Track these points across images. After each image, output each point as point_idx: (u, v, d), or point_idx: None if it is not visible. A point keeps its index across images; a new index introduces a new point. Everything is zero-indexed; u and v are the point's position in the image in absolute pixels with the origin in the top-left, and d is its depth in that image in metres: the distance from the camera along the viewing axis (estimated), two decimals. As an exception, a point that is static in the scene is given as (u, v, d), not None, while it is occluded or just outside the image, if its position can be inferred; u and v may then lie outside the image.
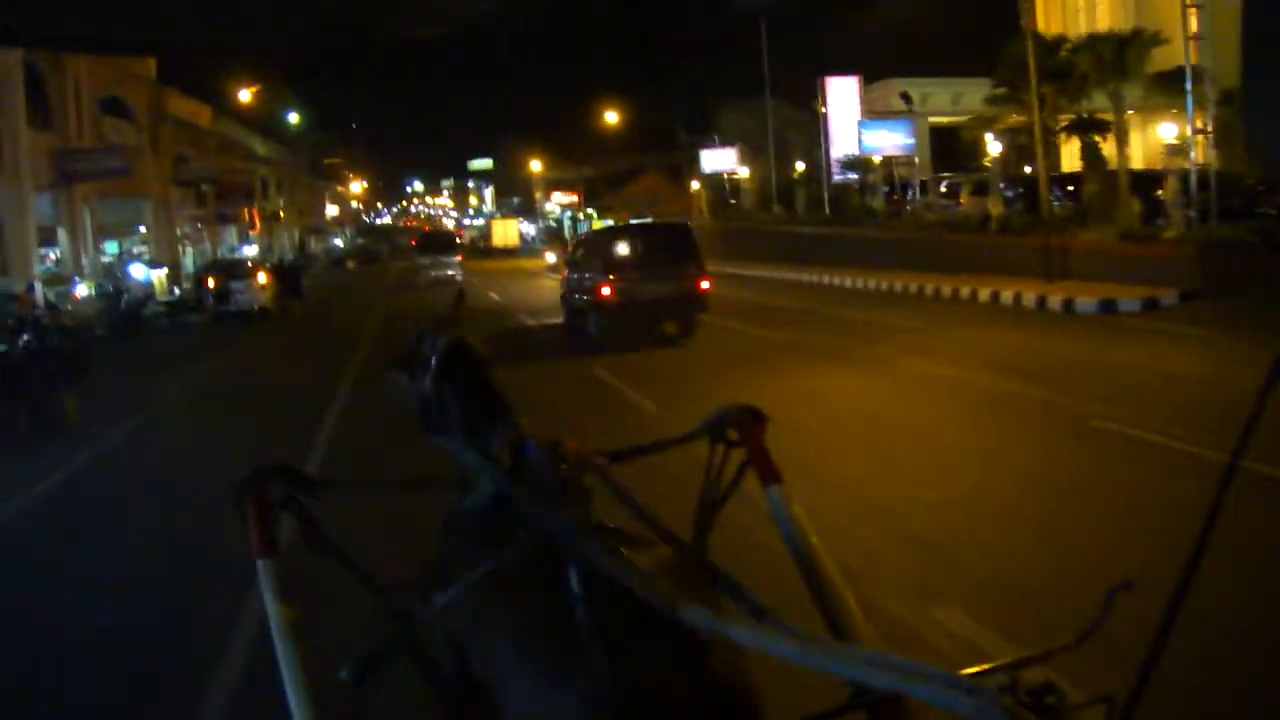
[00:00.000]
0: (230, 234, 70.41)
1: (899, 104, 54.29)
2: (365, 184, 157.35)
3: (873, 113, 56.25)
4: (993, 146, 41.87)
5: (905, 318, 24.99)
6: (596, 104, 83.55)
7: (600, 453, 2.92)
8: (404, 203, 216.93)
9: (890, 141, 52.38)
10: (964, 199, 42.71)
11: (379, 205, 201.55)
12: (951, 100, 57.14)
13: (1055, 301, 25.27)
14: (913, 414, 14.09)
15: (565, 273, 28.61)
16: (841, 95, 57.55)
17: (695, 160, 75.62)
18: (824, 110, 56.44)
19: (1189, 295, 23.71)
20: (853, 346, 20.71)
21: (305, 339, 32.31)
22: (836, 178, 54.98)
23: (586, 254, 26.25)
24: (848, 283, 36.25)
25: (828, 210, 51.80)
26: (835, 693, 2.29)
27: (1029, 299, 26.17)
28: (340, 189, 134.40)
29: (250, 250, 67.20)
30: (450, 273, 55.07)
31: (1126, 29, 36.30)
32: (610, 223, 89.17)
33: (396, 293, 48.35)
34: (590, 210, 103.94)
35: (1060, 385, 14.78)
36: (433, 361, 3.24)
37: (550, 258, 63.42)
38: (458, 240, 75.88)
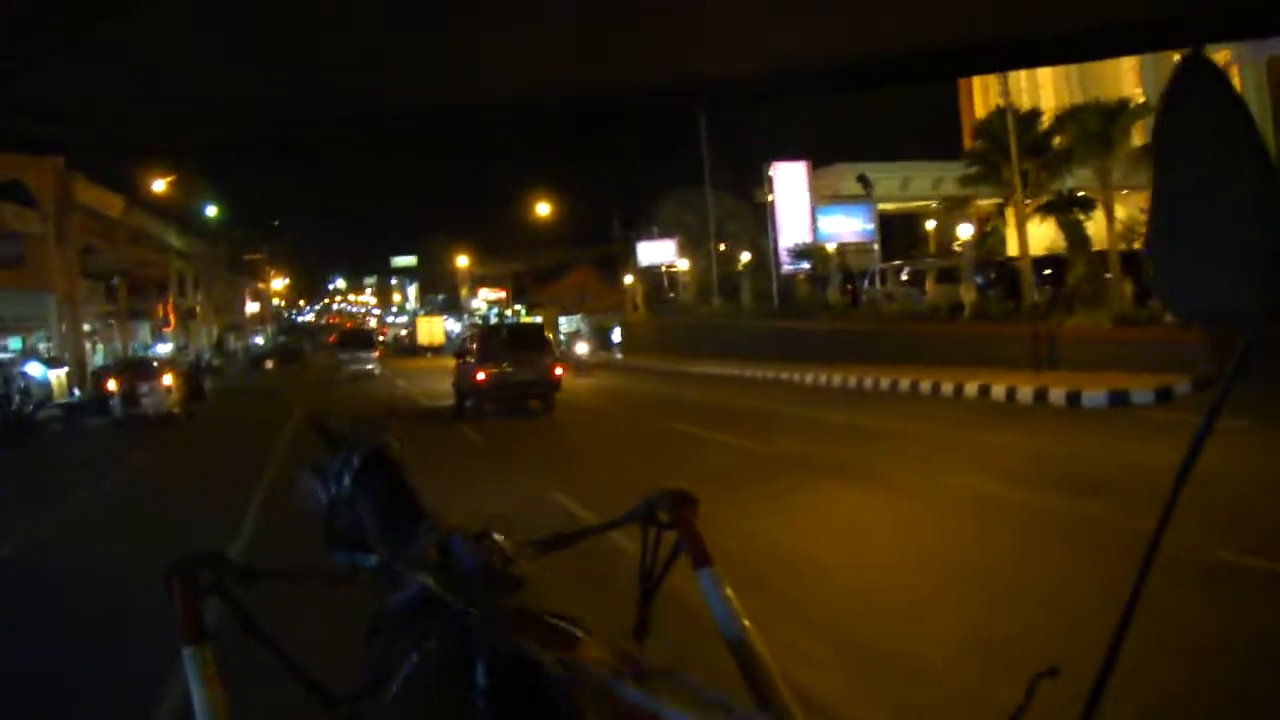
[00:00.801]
0: (143, 330, 67.30)
1: (851, 189, 52.29)
2: (287, 280, 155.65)
3: (829, 197, 54.13)
4: (963, 230, 39.48)
5: (890, 418, 22.49)
6: (527, 197, 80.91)
7: (529, 541, 2.74)
8: (326, 300, 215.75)
9: (848, 227, 50.84)
10: (929, 286, 40.62)
11: (301, 303, 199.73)
12: (900, 185, 55.22)
13: (1057, 395, 22.92)
14: (959, 546, 11.00)
15: (456, 363, 33.56)
16: (789, 181, 55.14)
17: (631, 253, 73.29)
18: (771, 197, 54.28)
19: (1203, 383, 21.03)
20: (845, 456, 17.84)
21: (211, 450, 27.63)
22: (786, 267, 52.82)
23: (469, 349, 32.30)
24: (807, 379, 33.95)
25: (776, 302, 49.47)
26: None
27: (1024, 393, 23.97)
28: (261, 285, 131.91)
29: (164, 348, 63.96)
30: (369, 367, 59.74)
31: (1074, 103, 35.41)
32: (539, 319, 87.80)
33: (316, 393, 45.92)
34: (518, 306, 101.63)
35: (1118, 499, 11.49)
36: (348, 472, 3.10)
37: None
38: (378, 338, 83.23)
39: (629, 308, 73.38)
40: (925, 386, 27.54)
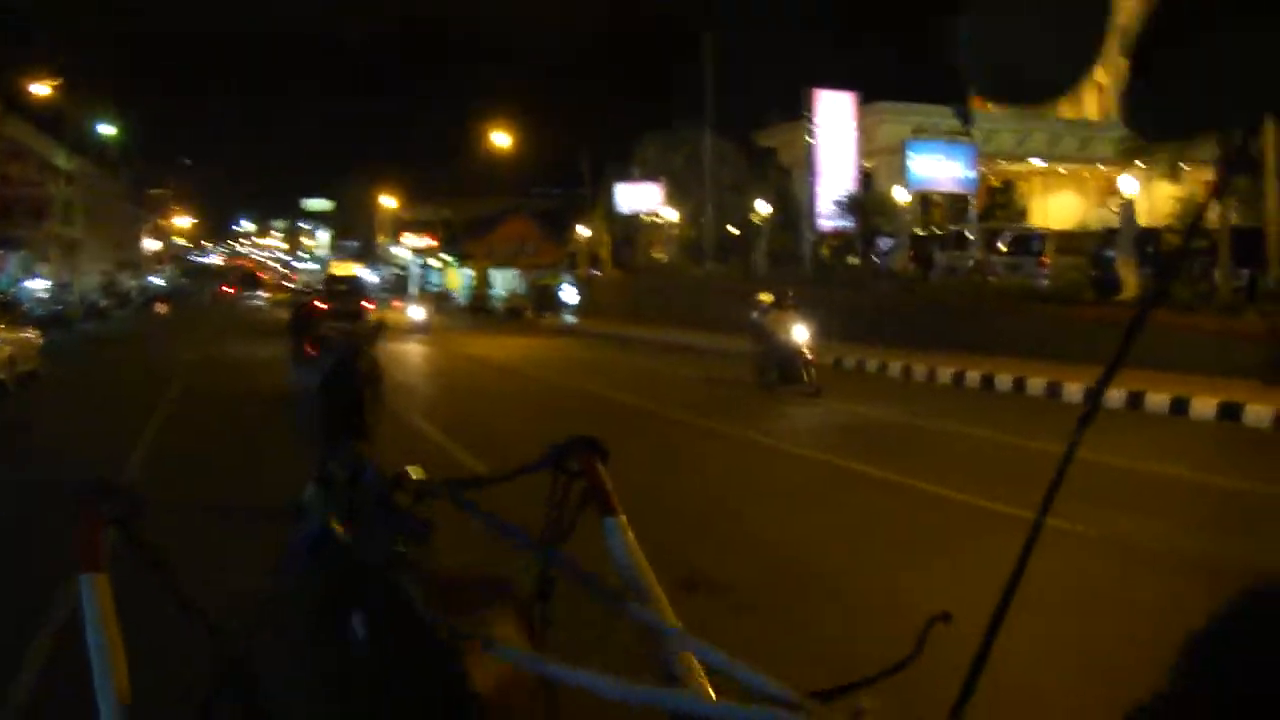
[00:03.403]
0: (13, 262, 57.55)
1: (901, 132, 42.65)
2: (193, 220, 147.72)
3: (924, 131, 43.06)
4: (1125, 184, 30.20)
5: (1099, 446, 14.13)
6: (471, 133, 70.32)
7: (445, 482, 2.75)
8: (231, 242, 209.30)
9: (946, 173, 40.00)
10: (1049, 258, 32.30)
11: (206, 244, 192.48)
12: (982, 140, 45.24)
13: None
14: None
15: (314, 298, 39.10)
16: (833, 116, 44.67)
17: (599, 199, 62.93)
18: (812, 132, 43.85)
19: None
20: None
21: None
22: (824, 223, 43.22)
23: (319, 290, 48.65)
24: (869, 363, 26.77)
25: (809, 266, 40.22)
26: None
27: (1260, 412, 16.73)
28: (163, 222, 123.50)
29: (39, 284, 54.36)
30: (259, 302, 73.53)
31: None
32: (470, 271, 79.54)
33: (211, 346, 37.80)
34: (446, 257, 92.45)
35: None
36: (318, 372, 3.19)
37: (416, 313, 50.66)
38: (260, 278, 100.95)
39: (585, 265, 64.03)
40: (1074, 390, 19.80)
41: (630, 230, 61.82)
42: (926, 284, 33.94)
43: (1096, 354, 18.08)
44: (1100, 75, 53.86)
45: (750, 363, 22.99)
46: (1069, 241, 33.68)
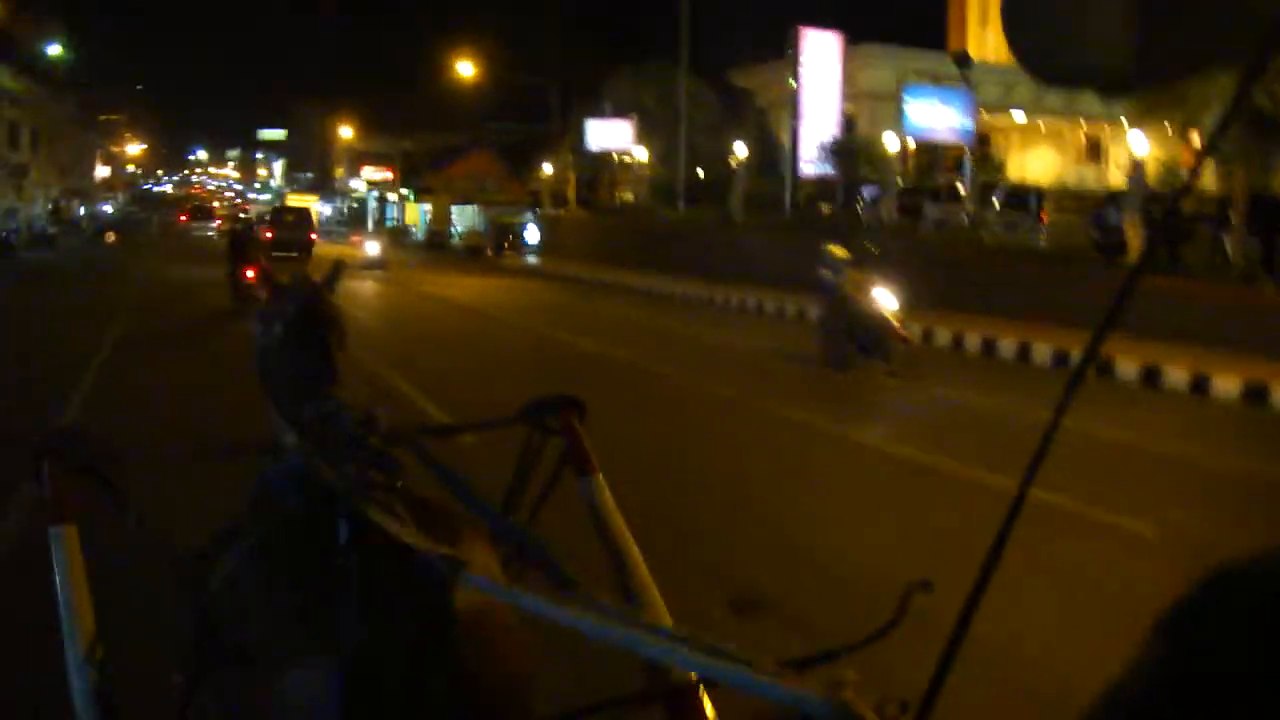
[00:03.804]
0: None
1: (883, 77, 40.91)
2: (145, 147, 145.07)
3: (919, 74, 41.42)
4: (1135, 141, 28.71)
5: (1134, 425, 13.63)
6: (433, 60, 67.82)
7: (418, 428, 2.78)
8: (186, 171, 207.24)
9: (944, 122, 37.27)
10: (1047, 216, 30.91)
11: (159, 173, 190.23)
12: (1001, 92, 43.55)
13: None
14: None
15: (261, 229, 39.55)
16: (819, 57, 42.39)
17: (569, 134, 60.08)
18: (799, 73, 41.40)
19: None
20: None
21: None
22: (808, 168, 41.08)
23: (264, 219, 53.85)
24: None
25: (789, 212, 38.66)
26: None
27: None
28: (115, 149, 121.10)
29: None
30: (210, 233, 73.16)
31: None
32: (428, 207, 77.98)
33: (160, 271, 39.42)
34: (405, 191, 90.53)
35: None
36: (278, 319, 2.93)
37: (372, 248, 48.30)
38: (212, 209, 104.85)
39: (548, 202, 62.15)
40: (1179, 376, 17.36)
41: (597, 169, 59.72)
42: (917, 237, 32.32)
43: (1054, 312, 16.82)
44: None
45: (818, 332, 19.24)
46: (1066, 200, 32.11)
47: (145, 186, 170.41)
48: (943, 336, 21.92)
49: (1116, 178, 42.60)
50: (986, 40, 49.48)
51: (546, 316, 26.57)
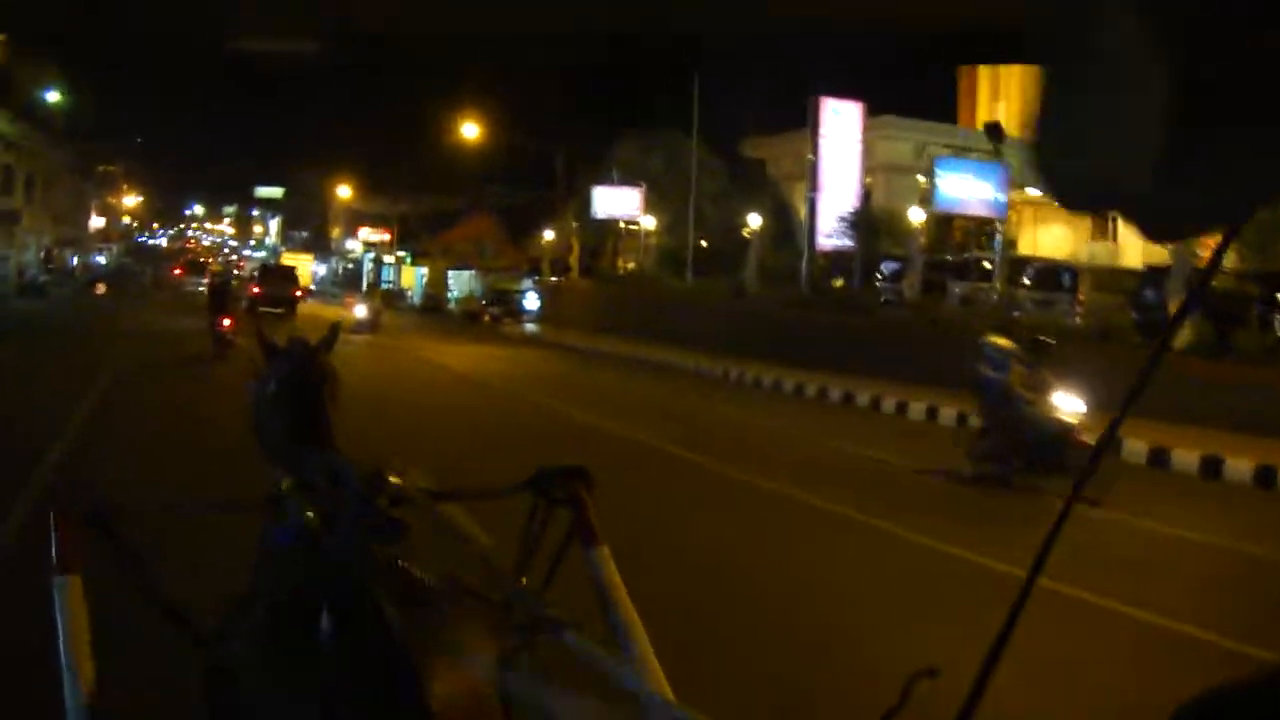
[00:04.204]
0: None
1: (901, 150, 39.78)
2: (142, 199, 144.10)
3: (941, 146, 40.16)
4: None
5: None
6: (434, 125, 66.53)
7: (422, 490, 2.68)
8: (181, 225, 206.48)
9: (976, 195, 35.97)
10: (1085, 294, 29.61)
11: (155, 226, 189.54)
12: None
13: None
14: None
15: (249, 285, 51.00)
16: (839, 126, 41.36)
17: (574, 200, 58.59)
18: (819, 143, 40.39)
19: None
20: None
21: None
22: (825, 241, 39.97)
23: (253, 275, 61.42)
24: (885, 402, 23.61)
25: (805, 285, 37.36)
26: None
27: None
28: (111, 200, 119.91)
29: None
30: (200, 288, 63.84)
31: None
32: (424, 270, 77.08)
33: (143, 334, 36.01)
34: (402, 253, 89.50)
35: None
36: (274, 379, 3.13)
37: (360, 310, 44.56)
38: (206, 264, 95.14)
39: (549, 270, 60.79)
40: (1139, 447, 16.75)
41: (602, 236, 58.42)
42: (945, 314, 30.91)
43: (1196, 411, 15.62)
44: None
45: (968, 437, 15.48)
46: (1102, 277, 30.82)
47: (140, 239, 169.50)
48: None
49: (1132, 255, 41.73)
50: (997, 114, 48.74)
51: (554, 389, 25.14)
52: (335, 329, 3.36)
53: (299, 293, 54.69)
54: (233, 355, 25.69)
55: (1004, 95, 54.97)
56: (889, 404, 23.36)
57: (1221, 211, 1.24)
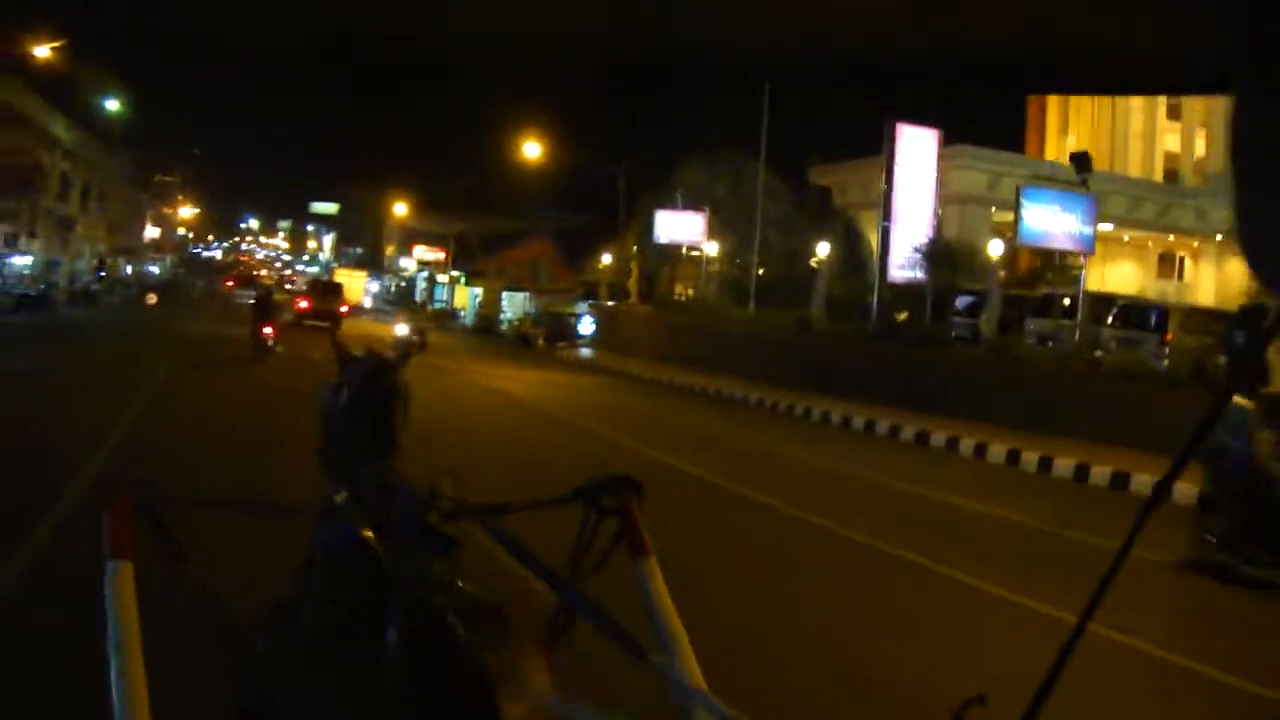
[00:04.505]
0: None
1: (975, 180, 38.56)
2: (198, 210, 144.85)
3: (1033, 178, 37.60)
4: None
5: None
6: (492, 143, 65.84)
7: (478, 504, 2.72)
8: (235, 238, 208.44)
9: (1061, 228, 33.83)
10: (1174, 335, 28.15)
11: (209, 238, 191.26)
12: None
13: None
14: None
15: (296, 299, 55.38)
16: (914, 153, 39.67)
17: (634, 225, 57.09)
18: (894, 170, 38.67)
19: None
20: None
21: None
22: (898, 273, 38.34)
23: (302, 289, 66.06)
24: (991, 451, 21.62)
25: (874, 317, 36.12)
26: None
27: None
28: (167, 210, 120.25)
29: (22, 260, 51.01)
30: (251, 300, 68.97)
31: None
32: (478, 290, 76.65)
33: (190, 361, 31.04)
34: (456, 273, 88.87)
35: None
36: (347, 388, 3.03)
37: (401, 330, 43.29)
38: (259, 278, 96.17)
39: (607, 294, 59.60)
40: None
41: (661, 261, 57.19)
42: (1024, 352, 29.53)
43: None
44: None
45: (1196, 511, 12.00)
46: (1191, 320, 29.39)
47: (195, 251, 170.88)
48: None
49: (1203, 295, 40.42)
50: (1068, 146, 47.60)
51: (617, 421, 23.82)
52: (412, 344, 3.37)
53: (345, 308, 55.91)
54: (270, 360, 29.96)
55: (1074, 128, 53.88)
56: (967, 445, 22.18)
57: None
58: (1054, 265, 39.08)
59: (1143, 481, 17.44)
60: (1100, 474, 18.71)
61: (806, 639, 8.27)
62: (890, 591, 10.13)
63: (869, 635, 8.54)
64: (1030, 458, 20.18)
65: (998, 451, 21.17)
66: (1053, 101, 54.87)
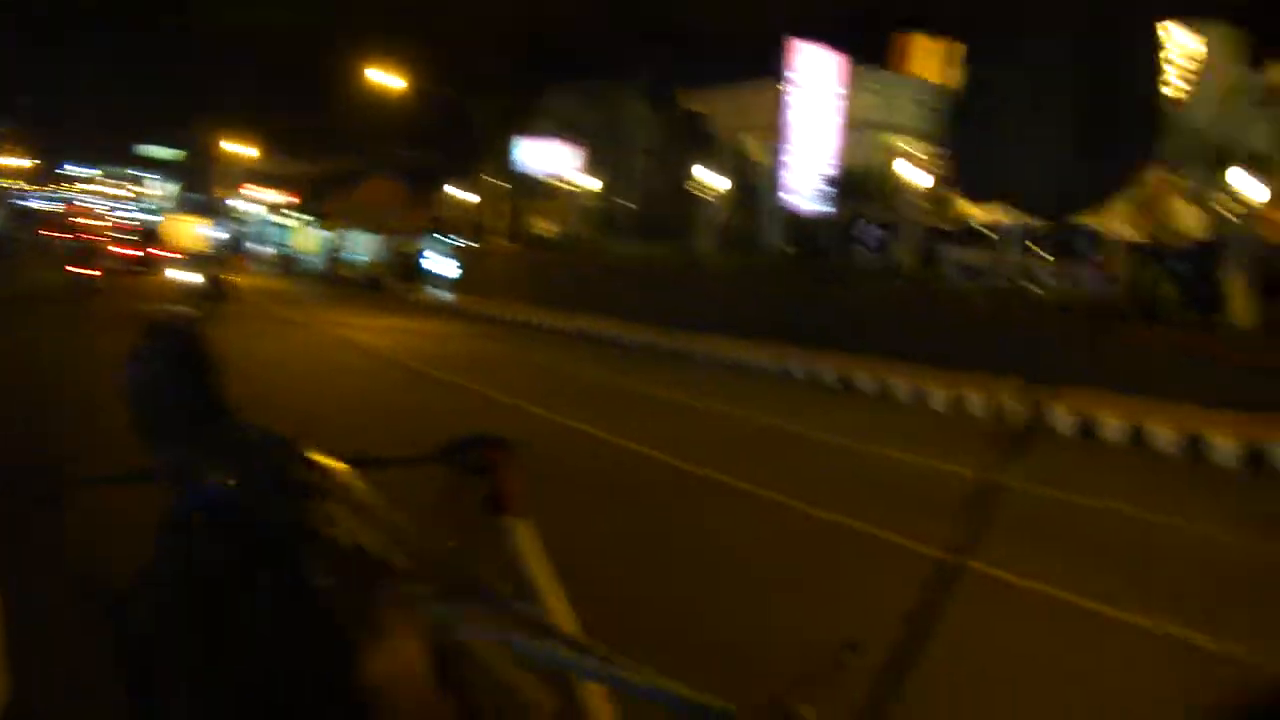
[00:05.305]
0: None
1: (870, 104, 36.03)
2: (31, 162, 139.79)
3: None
4: (1247, 185, 24.32)
5: None
6: (346, 76, 61.66)
7: (337, 456, 2.67)
8: (55, 185, 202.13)
9: None
10: (1119, 265, 25.99)
11: (34, 188, 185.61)
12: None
13: None
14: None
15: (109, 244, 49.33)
16: (813, 75, 36.61)
17: (491, 156, 52.28)
18: (790, 93, 35.82)
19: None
20: None
21: None
22: (797, 202, 35.43)
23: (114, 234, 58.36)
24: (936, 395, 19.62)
25: (771, 255, 33.31)
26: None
27: None
28: None
29: None
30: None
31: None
32: (327, 233, 73.84)
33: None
34: (305, 216, 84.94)
35: None
36: (159, 356, 2.84)
37: (191, 278, 39.20)
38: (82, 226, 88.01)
39: (468, 231, 55.71)
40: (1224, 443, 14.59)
41: (529, 195, 53.55)
42: (953, 288, 27.22)
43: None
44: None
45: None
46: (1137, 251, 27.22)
47: (18, 202, 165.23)
48: (1063, 421, 16.81)
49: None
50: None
51: (489, 374, 20.99)
52: (205, 295, 4.38)
53: (160, 252, 53.79)
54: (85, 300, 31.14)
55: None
56: (903, 390, 20.06)
57: None
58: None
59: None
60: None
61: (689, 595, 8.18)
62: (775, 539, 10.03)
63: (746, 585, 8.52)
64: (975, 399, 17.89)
65: (940, 397, 19.27)
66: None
